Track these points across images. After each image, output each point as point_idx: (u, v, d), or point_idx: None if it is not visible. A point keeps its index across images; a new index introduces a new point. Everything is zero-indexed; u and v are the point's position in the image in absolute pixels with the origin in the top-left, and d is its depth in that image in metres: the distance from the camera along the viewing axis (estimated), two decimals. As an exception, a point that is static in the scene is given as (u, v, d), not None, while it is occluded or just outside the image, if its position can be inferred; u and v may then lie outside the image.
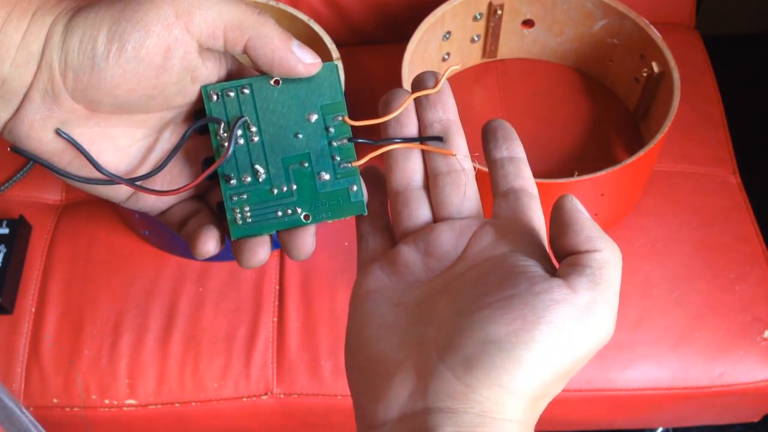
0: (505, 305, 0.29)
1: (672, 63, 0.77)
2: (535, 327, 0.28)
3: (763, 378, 0.75)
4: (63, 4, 0.31)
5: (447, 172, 0.36)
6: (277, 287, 0.79)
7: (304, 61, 0.33)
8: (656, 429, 1.00)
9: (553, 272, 0.31)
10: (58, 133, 0.32)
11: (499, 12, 0.85)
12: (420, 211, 0.35)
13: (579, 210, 0.31)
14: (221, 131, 0.34)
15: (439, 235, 0.34)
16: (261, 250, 0.35)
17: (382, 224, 0.37)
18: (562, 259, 0.31)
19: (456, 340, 0.29)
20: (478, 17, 0.86)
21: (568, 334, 0.28)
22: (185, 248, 0.80)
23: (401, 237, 0.36)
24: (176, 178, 0.36)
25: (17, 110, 0.31)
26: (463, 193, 0.35)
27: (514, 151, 0.36)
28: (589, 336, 0.29)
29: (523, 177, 0.35)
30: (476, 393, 0.28)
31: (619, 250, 0.31)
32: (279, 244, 0.80)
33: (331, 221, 0.35)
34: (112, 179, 0.34)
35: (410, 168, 0.36)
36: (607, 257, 0.30)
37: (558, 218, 0.31)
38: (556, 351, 0.28)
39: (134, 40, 0.30)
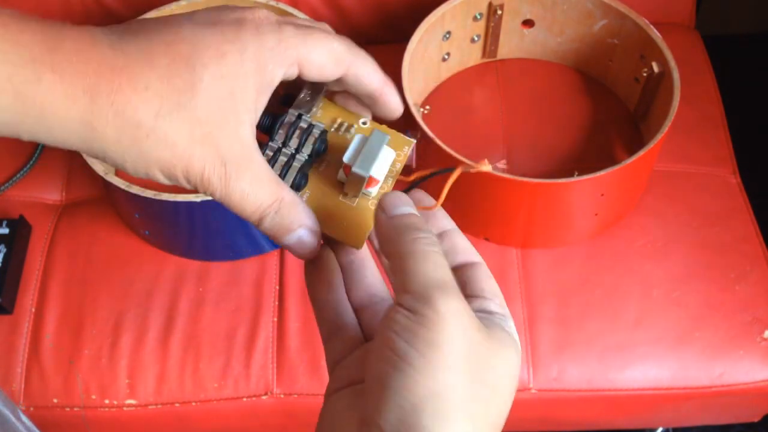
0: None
1: (672, 63, 0.77)
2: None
3: (763, 378, 0.75)
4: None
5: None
6: (277, 287, 0.79)
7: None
8: (656, 429, 1.00)
9: None
10: None
11: (499, 12, 0.85)
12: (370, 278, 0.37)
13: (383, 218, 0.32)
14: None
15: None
16: None
17: (338, 323, 0.37)
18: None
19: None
20: (478, 17, 0.86)
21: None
22: (185, 248, 0.80)
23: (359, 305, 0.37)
24: None
25: None
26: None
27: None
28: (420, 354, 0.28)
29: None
30: None
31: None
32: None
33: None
34: None
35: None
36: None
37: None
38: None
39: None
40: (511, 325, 0.32)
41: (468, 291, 0.33)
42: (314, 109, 0.37)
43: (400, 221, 0.32)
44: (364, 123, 0.38)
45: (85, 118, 0.29)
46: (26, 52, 0.28)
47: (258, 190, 0.33)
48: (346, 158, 0.35)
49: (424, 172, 0.36)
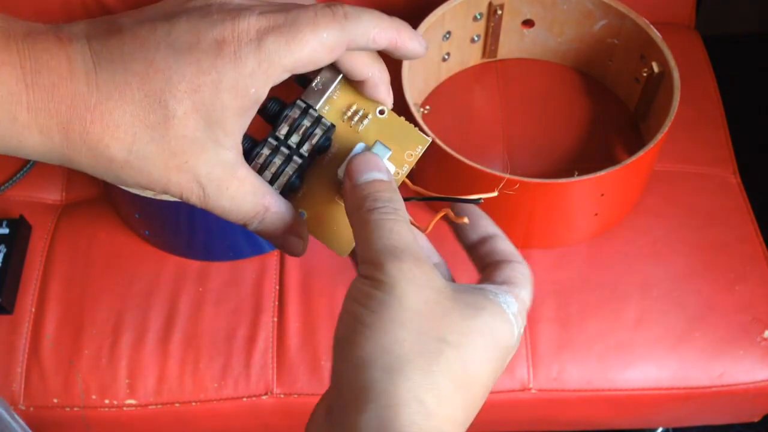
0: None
1: (672, 63, 0.77)
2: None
3: (763, 378, 0.75)
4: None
5: None
6: (277, 287, 0.79)
7: None
8: (656, 429, 1.00)
9: None
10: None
11: (499, 12, 0.85)
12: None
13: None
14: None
15: None
16: None
17: None
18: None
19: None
20: (478, 17, 0.86)
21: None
22: (185, 248, 0.80)
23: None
24: None
25: None
26: None
27: None
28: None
29: None
30: None
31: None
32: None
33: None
34: None
35: None
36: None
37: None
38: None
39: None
40: (508, 300, 0.32)
41: (492, 279, 0.34)
42: (326, 97, 0.35)
43: (362, 191, 0.32)
44: (381, 112, 0.35)
45: (61, 151, 0.31)
46: (3, 89, 0.29)
47: (239, 204, 0.33)
48: (341, 172, 0.34)
49: (428, 194, 0.35)
